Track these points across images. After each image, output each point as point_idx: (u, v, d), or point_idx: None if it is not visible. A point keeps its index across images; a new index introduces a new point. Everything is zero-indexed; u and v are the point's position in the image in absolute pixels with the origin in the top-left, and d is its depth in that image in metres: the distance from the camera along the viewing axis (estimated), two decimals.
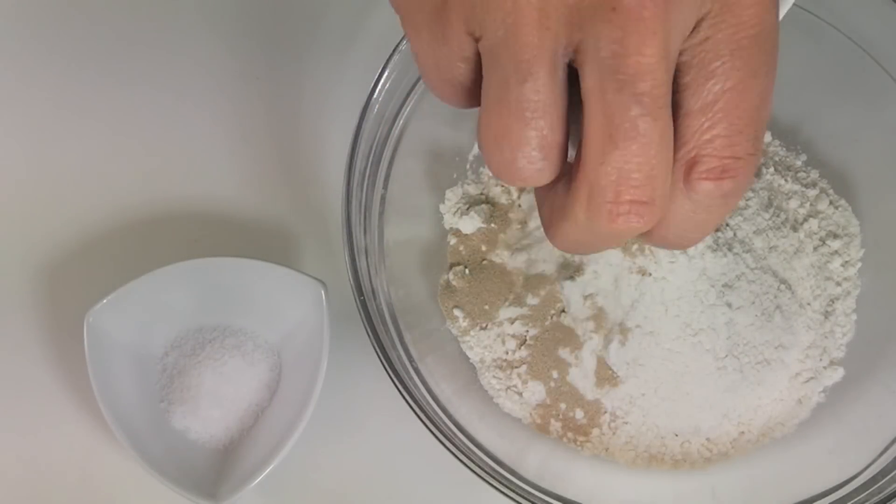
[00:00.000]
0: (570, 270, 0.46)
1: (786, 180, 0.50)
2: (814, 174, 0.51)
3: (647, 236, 0.31)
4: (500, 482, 0.42)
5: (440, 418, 0.43)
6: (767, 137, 0.52)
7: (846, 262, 0.49)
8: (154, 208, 0.54)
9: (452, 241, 0.50)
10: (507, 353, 0.48)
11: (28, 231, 0.54)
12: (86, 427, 0.50)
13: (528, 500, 0.42)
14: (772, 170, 0.50)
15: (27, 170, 0.55)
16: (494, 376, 0.48)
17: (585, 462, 0.47)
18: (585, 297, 0.46)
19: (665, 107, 0.28)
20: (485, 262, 0.49)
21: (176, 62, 0.57)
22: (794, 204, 0.50)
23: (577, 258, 0.46)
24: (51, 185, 0.55)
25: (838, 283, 0.49)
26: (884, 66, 0.47)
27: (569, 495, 0.43)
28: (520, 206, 0.50)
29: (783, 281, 0.47)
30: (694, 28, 0.27)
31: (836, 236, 0.50)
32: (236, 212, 0.54)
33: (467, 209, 0.50)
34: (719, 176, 0.28)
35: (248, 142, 0.55)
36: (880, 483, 0.42)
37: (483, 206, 0.50)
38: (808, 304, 0.48)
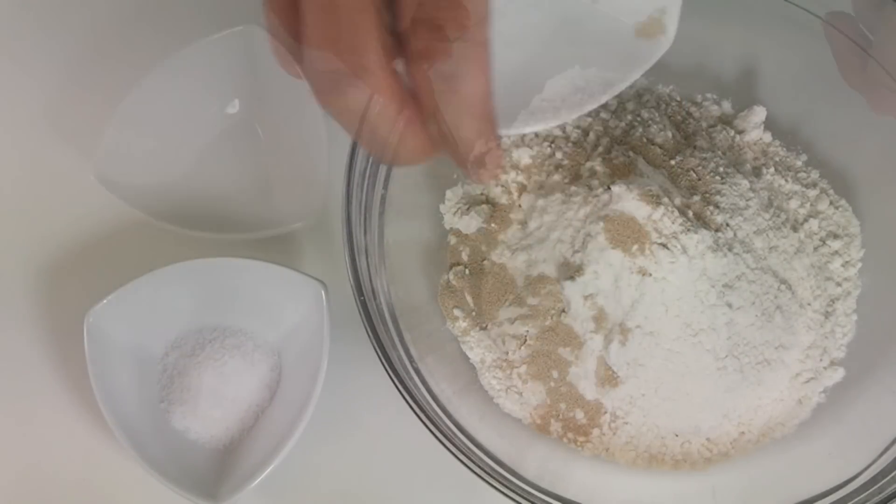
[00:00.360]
0: (571, 270, 0.46)
1: (786, 180, 0.50)
2: (814, 174, 0.51)
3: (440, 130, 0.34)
4: (500, 482, 0.42)
5: (440, 418, 0.43)
6: (767, 137, 0.52)
7: (846, 262, 0.49)
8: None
9: (452, 241, 0.50)
10: (507, 353, 0.48)
11: (28, 231, 0.54)
12: (86, 427, 0.50)
13: (528, 500, 0.42)
14: (772, 170, 0.50)
15: (27, 170, 0.55)
16: (494, 376, 0.48)
17: (585, 462, 0.47)
18: (586, 298, 0.46)
19: None
20: (485, 262, 0.49)
21: (176, 62, 0.56)
22: (794, 204, 0.50)
23: (576, 258, 0.46)
24: (51, 185, 0.55)
25: (838, 284, 0.49)
26: (884, 66, 0.47)
27: (569, 495, 0.43)
28: (520, 206, 0.50)
29: (783, 281, 0.47)
30: None
31: (836, 236, 0.50)
32: (236, 212, 0.54)
33: (467, 209, 0.50)
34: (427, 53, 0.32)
35: (249, 141, 0.55)
36: (880, 483, 0.42)
37: (483, 206, 0.50)
38: (809, 304, 0.48)
